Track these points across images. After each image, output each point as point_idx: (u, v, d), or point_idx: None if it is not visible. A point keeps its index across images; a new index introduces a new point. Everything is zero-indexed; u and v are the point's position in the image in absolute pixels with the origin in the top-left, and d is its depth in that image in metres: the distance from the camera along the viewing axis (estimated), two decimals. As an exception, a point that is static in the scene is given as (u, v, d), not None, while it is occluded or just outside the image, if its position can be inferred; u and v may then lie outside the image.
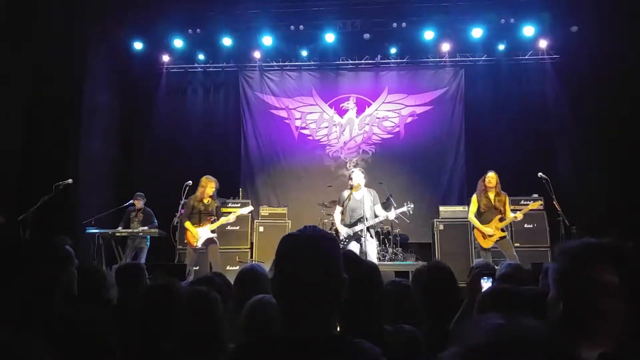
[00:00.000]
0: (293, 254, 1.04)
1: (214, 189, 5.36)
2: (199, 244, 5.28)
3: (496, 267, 2.63)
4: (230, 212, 5.66)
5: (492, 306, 1.54)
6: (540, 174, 6.15)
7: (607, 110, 6.98)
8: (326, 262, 1.03)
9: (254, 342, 1.07)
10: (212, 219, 5.34)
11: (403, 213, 5.46)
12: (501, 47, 8.10)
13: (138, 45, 8.10)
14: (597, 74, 7.11)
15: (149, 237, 6.48)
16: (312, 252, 1.02)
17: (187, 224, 5.32)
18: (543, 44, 7.97)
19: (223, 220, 5.39)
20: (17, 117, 6.52)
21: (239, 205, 6.71)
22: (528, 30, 7.77)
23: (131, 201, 6.71)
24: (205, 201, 5.35)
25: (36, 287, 1.38)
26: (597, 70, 7.11)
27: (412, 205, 5.36)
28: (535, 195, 7.11)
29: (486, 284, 2.01)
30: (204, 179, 5.41)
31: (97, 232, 6.10)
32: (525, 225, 7.03)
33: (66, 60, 6.81)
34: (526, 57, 8.21)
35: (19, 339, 0.75)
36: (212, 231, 5.34)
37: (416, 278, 2.29)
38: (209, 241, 5.31)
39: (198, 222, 5.34)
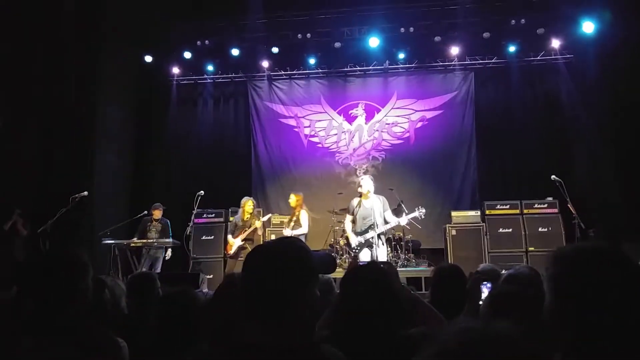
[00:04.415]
0: (258, 264, 1.08)
1: (252, 207, 6.21)
2: (232, 251, 6.12)
3: (502, 272, 2.61)
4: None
5: (496, 309, 1.53)
6: (553, 176, 6.06)
7: (622, 110, 6.84)
8: (291, 274, 1.05)
9: (217, 350, 1.09)
10: (245, 230, 6.12)
11: (415, 218, 5.41)
12: (512, 48, 7.98)
13: (148, 58, 8.25)
14: (612, 73, 6.96)
15: (169, 247, 6.55)
16: (273, 262, 1.06)
17: (228, 237, 6.29)
18: (555, 43, 7.84)
19: (250, 230, 6.08)
20: (33, 132, 6.70)
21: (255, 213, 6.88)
22: (539, 31, 7.66)
23: (146, 211, 6.78)
24: (245, 218, 6.19)
25: (57, 296, 1.40)
26: (612, 69, 6.96)
27: (423, 210, 5.32)
28: (550, 199, 7.01)
29: (486, 289, 2.02)
30: (242, 201, 6.26)
31: (112, 243, 6.19)
32: (540, 229, 6.92)
33: (80, 74, 6.98)
34: (538, 57, 8.09)
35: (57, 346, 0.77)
36: (243, 240, 6.08)
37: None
38: (240, 248, 6.09)
39: (236, 235, 6.19)
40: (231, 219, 6.83)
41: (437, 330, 0.67)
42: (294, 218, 6.25)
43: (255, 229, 6.09)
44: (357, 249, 5.24)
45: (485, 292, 2.03)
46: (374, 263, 1.74)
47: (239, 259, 5.99)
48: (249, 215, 6.17)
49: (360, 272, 1.63)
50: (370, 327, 1.45)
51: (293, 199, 6.34)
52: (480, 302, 2.03)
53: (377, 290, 1.52)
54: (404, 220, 5.30)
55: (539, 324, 1.01)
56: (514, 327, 0.62)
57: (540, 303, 1.50)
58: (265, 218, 6.46)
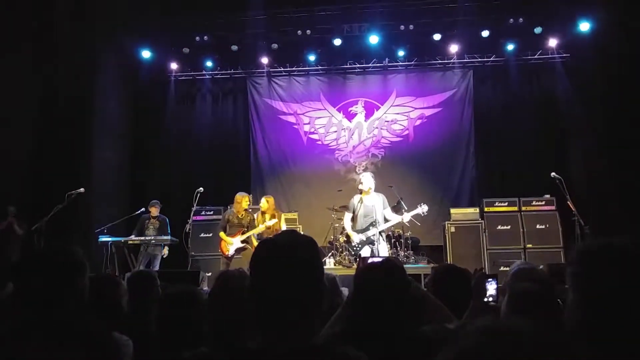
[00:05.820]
0: (268, 262, 1.01)
1: (248, 204, 5.89)
2: (230, 253, 5.76)
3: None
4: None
5: (516, 308, 1.53)
6: (553, 174, 6.07)
7: (618, 108, 6.89)
8: (302, 271, 0.99)
9: (231, 357, 1.03)
10: (243, 230, 5.80)
11: (417, 215, 5.40)
12: (510, 47, 8.03)
13: (146, 54, 8.17)
14: (608, 72, 7.02)
15: (166, 245, 6.49)
16: (287, 260, 0.98)
17: (221, 234, 5.84)
18: (552, 43, 7.89)
19: (252, 231, 5.77)
20: (28, 127, 6.62)
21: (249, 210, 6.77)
22: (537, 30, 7.70)
23: (143, 209, 6.73)
24: (240, 215, 5.85)
25: (53, 295, 1.37)
26: (608, 68, 7.02)
27: (426, 207, 5.31)
28: (547, 196, 7.04)
29: (490, 286, 2.02)
30: (237, 196, 5.87)
31: (109, 240, 6.13)
32: (538, 226, 6.96)
33: (76, 69, 6.90)
34: (535, 56, 8.13)
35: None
36: (243, 241, 5.78)
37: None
38: (240, 249, 5.80)
39: (232, 234, 5.82)
40: None
41: (456, 330, 0.65)
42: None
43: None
44: (358, 246, 5.23)
45: (489, 289, 2.02)
46: (387, 261, 1.73)
47: (235, 257, 5.80)
48: (244, 213, 5.82)
49: (373, 270, 1.62)
50: (385, 325, 1.45)
51: (265, 203, 5.85)
52: (486, 299, 2.03)
53: (391, 288, 1.51)
54: (406, 217, 5.29)
55: (558, 322, 0.99)
56: (535, 324, 0.60)
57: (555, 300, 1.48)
58: (271, 222, 5.71)
